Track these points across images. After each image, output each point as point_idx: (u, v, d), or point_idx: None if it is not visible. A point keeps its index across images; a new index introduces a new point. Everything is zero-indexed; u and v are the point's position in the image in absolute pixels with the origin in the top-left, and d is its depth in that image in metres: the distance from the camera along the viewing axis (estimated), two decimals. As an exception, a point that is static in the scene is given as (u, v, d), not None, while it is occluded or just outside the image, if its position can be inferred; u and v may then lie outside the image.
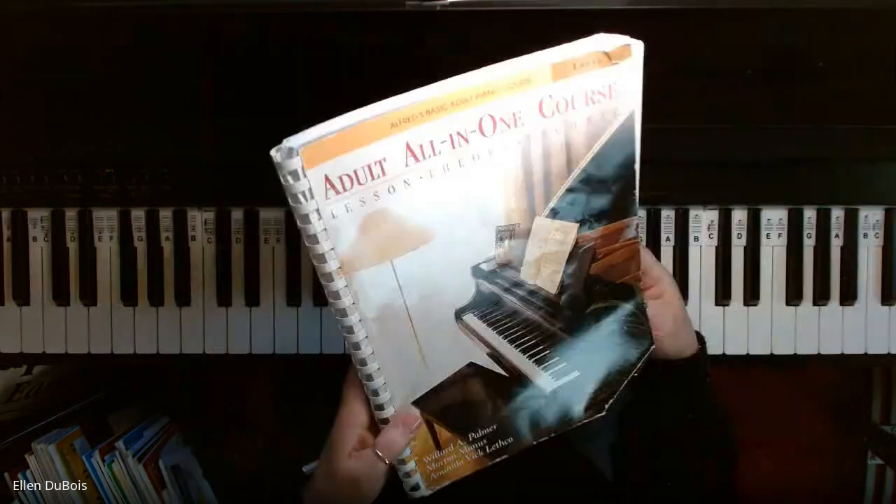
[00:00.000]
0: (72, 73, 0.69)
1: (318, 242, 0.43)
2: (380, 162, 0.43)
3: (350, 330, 0.47)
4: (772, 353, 0.74)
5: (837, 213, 0.73)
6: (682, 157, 0.71)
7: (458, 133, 0.44)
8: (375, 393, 0.50)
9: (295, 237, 0.73)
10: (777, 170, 0.72)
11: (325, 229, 0.43)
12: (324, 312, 0.74)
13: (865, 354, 0.73)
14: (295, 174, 0.41)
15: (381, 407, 0.51)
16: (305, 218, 0.43)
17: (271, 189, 0.71)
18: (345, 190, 0.43)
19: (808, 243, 0.73)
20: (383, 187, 0.43)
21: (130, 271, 0.74)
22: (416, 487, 0.54)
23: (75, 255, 0.75)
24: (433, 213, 0.46)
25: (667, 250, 0.73)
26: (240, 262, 0.74)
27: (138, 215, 0.74)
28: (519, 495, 0.63)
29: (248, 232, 0.74)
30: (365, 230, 0.44)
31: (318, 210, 0.43)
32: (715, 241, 0.73)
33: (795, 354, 0.73)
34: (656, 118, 0.69)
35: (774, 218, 0.73)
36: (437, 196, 0.45)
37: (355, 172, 0.42)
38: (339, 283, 0.45)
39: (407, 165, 0.43)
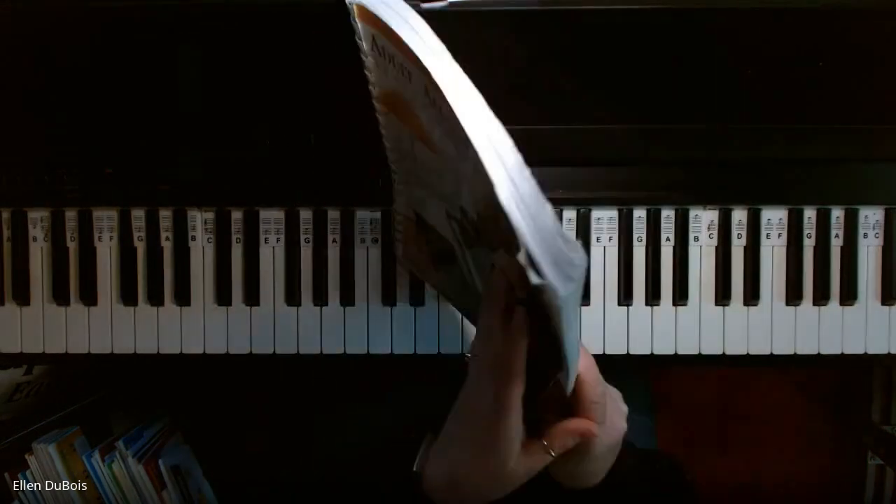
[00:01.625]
0: (72, 72, 0.69)
1: (366, 67, 0.50)
2: (409, 73, 0.45)
3: (385, 146, 0.56)
4: (772, 353, 0.73)
5: (837, 213, 0.73)
6: (682, 157, 0.71)
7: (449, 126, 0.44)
8: (394, 189, 0.60)
9: (295, 237, 0.73)
10: (777, 170, 0.72)
11: (367, 67, 0.49)
12: (323, 312, 0.74)
13: (865, 354, 0.73)
14: (353, 13, 0.46)
15: (394, 194, 0.61)
16: (360, 45, 0.49)
17: (271, 189, 0.72)
18: (385, 60, 0.46)
19: (808, 243, 0.73)
20: (411, 88, 0.45)
21: (130, 271, 0.74)
22: (397, 236, 0.66)
23: (75, 255, 0.75)
24: (440, 140, 0.46)
25: (667, 250, 0.73)
26: (239, 262, 0.74)
27: (138, 215, 0.74)
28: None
29: (248, 232, 0.74)
30: (398, 97, 0.48)
31: (363, 50, 0.48)
32: (715, 241, 0.73)
33: (795, 354, 0.73)
34: (657, 118, 0.69)
35: (774, 218, 0.73)
36: (444, 137, 0.45)
37: (394, 57, 0.45)
38: (376, 105, 0.52)
39: (424, 96, 0.44)
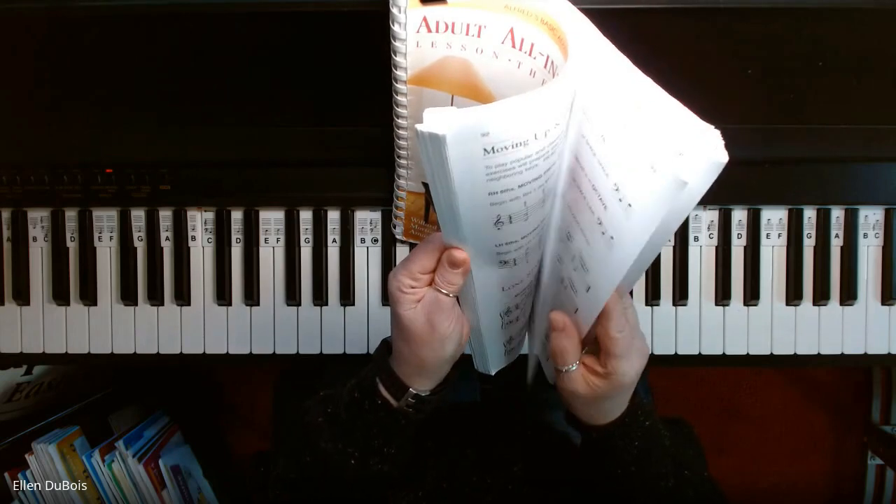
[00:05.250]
0: (72, 73, 0.69)
1: (398, 55, 0.53)
2: (480, 26, 0.48)
3: (399, 127, 0.61)
4: (772, 353, 0.73)
5: (837, 213, 0.73)
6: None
7: (553, 62, 0.45)
8: (399, 166, 0.65)
9: (295, 237, 0.73)
10: (777, 170, 0.71)
11: (406, 53, 0.53)
12: (323, 312, 0.74)
13: (865, 354, 0.73)
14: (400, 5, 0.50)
15: (399, 175, 0.66)
16: (395, 33, 0.52)
17: (271, 189, 0.72)
18: (437, 31, 0.50)
19: (808, 243, 0.73)
20: (475, 45, 0.49)
21: (130, 271, 0.74)
22: (394, 226, 0.71)
23: (75, 255, 0.75)
24: (508, 88, 0.49)
25: (667, 250, 0.73)
26: (239, 262, 0.74)
27: (138, 215, 0.74)
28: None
29: (247, 232, 0.74)
30: (442, 65, 0.52)
31: (401, 38, 0.52)
32: (715, 241, 0.73)
33: (795, 354, 0.73)
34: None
35: (774, 218, 0.73)
36: (514, 87, 0.48)
37: (453, 23, 0.49)
38: (401, 88, 0.57)
39: (503, 44, 0.47)
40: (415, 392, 0.50)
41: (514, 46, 0.47)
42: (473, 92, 0.53)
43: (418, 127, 0.35)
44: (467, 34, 0.49)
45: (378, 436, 0.51)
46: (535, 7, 0.45)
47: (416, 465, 0.61)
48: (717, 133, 0.35)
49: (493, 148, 0.37)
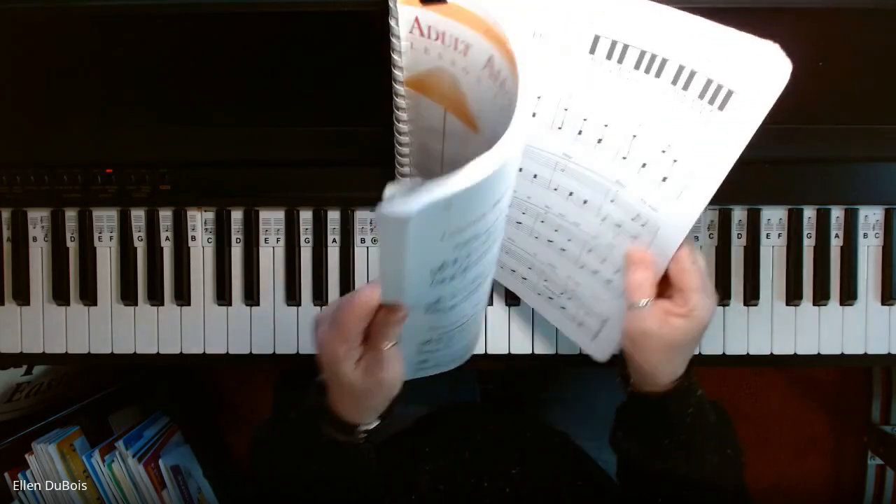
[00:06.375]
0: (71, 72, 0.69)
1: (395, 53, 0.53)
2: (466, 45, 0.46)
3: (399, 131, 0.60)
4: (772, 353, 0.73)
5: (837, 213, 0.73)
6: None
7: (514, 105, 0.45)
8: (400, 164, 0.64)
9: (294, 237, 0.73)
10: (777, 170, 0.71)
11: (401, 52, 0.52)
12: (324, 312, 0.74)
13: (865, 354, 0.73)
14: None
15: (399, 175, 0.66)
16: (392, 30, 0.51)
17: (271, 189, 0.72)
18: (429, 38, 0.49)
19: (808, 243, 0.73)
20: (462, 64, 0.47)
21: (130, 271, 0.74)
22: None
23: (75, 255, 0.75)
24: (487, 118, 0.48)
25: (667, 250, 0.73)
26: (239, 262, 0.74)
27: (138, 215, 0.74)
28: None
29: (247, 232, 0.74)
30: (437, 76, 0.51)
31: (397, 35, 0.51)
32: (715, 241, 0.73)
33: (795, 354, 0.73)
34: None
35: (774, 218, 0.73)
36: (493, 115, 0.47)
37: (443, 34, 0.47)
38: (399, 90, 0.56)
39: (483, 69, 0.46)
40: (364, 427, 0.51)
41: (490, 76, 0.46)
42: (461, 111, 0.52)
43: (378, 210, 0.33)
44: (455, 49, 0.48)
45: (340, 465, 0.52)
46: (504, 36, 0.43)
47: (411, 468, 0.60)
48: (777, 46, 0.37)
49: (454, 221, 0.36)
